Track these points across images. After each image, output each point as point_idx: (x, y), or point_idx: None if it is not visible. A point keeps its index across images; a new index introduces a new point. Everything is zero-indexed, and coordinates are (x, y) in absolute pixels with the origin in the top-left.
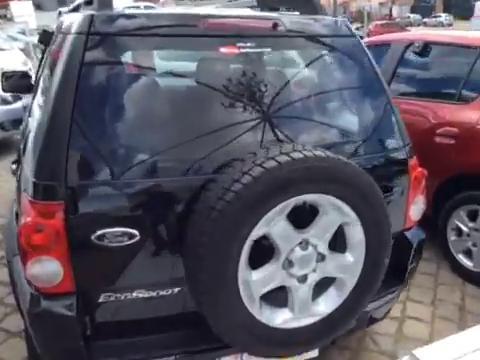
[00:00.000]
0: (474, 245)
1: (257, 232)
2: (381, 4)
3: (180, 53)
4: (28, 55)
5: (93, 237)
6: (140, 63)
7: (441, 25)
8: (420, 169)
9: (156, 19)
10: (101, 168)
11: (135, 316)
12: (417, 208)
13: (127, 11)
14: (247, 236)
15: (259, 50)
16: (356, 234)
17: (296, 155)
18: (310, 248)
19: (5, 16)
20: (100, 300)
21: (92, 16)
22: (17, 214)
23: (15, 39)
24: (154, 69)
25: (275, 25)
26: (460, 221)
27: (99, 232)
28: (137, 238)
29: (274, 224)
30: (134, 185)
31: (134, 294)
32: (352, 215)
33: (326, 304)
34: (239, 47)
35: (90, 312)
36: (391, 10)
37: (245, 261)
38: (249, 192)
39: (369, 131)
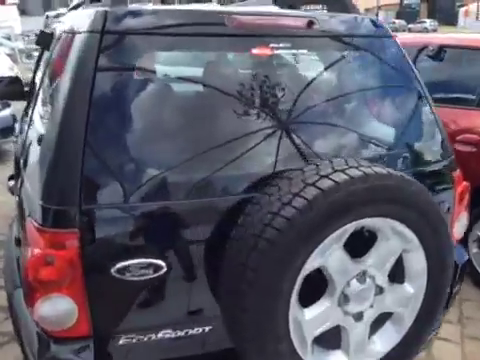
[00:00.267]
0: None
1: (311, 264)
2: (367, 10)
3: (205, 55)
4: (15, 61)
5: (113, 270)
6: (161, 67)
7: (426, 31)
8: (465, 183)
9: (180, 16)
10: (121, 189)
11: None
12: (461, 225)
13: (145, 7)
14: (300, 269)
15: (294, 51)
16: (418, 262)
17: (354, 173)
18: (368, 280)
19: None
20: (120, 343)
21: (106, 12)
22: (18, 239)
23: (0, 44)
24: (177, 74)
25: (310, 23)
26: None
27: (120, 264)
28: (163, 270)
29: (330, 254)
30: (160, 208)
31: (160, 335)
32: (415, 240)
33: (383, 342)
34: (272, 48)
35: (109, 358)
36: (377, 15)
37: (296, 298)
38: (304, 218)
39: (412, 142)
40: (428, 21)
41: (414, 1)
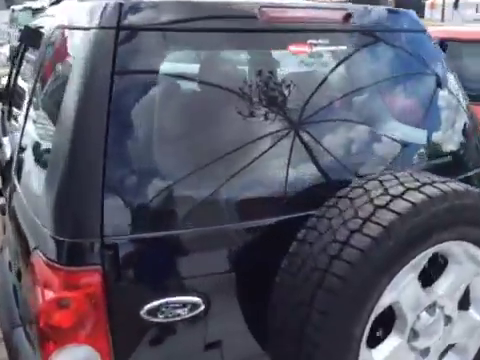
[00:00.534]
0: None
1: (384, 300)
2: None
3: (234, 53)
4: None
5: (142, 312)
6: (187, 67)
7: None
8: None
9: (205, 9)
10: (150, 216)
11: None
12: None
13: None
14: (374, 306)
15: (332, 48)
16: None
17: (432, 191)
18: (437, 311)
19: None
20: None
21: (121, 4)
22: (12, 266)
23: None
24: (206, 75)
25: (347, 16)
26: None
27: (150, 304)
28: (201, 309)
29: (404, 287)
30: (194, 237)
31: None
32: None
33: None
34: (310, 45)
35: None
36: None
37: (365, 341)
38: (380, 248)
39: (456, 147)
40: None
41: None
